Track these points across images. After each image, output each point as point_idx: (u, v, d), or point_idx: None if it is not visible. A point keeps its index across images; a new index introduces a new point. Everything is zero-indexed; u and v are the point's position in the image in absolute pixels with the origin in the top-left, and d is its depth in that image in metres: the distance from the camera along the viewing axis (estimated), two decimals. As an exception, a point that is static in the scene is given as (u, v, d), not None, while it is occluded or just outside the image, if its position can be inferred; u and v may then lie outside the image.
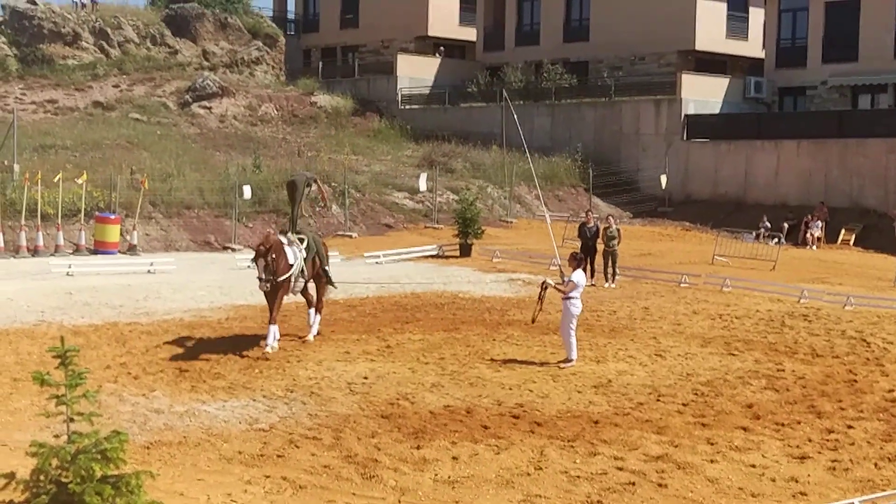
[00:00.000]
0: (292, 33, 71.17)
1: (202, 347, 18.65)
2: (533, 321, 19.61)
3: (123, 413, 14.01)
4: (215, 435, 13.12)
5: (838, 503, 10.89)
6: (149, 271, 29.16)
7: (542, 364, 17.92)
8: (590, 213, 31.56)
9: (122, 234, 33.31)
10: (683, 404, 15.39)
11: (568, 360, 17.93)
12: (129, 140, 44.98)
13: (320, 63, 66.29)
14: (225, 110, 54.72)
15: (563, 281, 18.44)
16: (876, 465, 12.66)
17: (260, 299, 24.55)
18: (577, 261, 18.63)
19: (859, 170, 43.29)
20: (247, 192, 36.66)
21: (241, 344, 18.96)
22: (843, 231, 41.66)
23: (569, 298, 18.07)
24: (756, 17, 55.60)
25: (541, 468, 12.13)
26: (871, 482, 12.02)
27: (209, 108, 54.39)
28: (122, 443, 7.04)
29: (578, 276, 18.34)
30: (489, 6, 62.44)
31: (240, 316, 22.34)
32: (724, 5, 54.96)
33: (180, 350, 18.40)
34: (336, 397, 15.29)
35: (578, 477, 11.84)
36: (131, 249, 32.94)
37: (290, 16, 73.95)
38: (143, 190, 34.34)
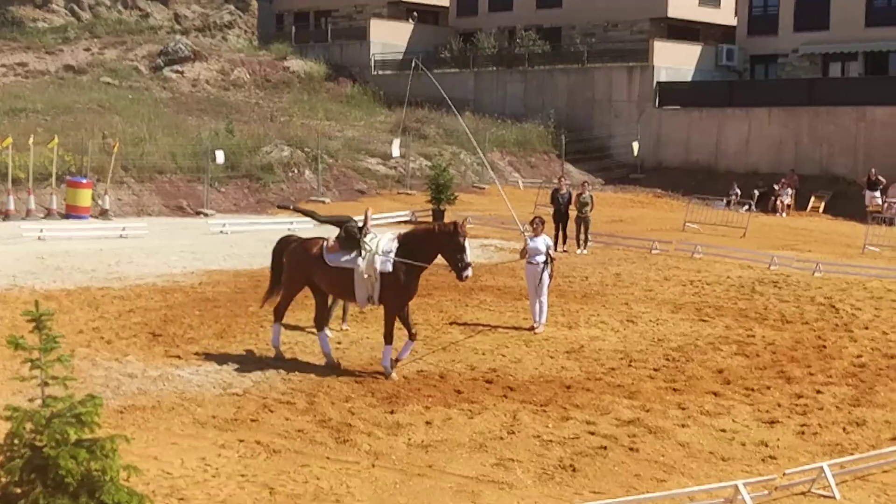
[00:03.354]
0: (265, -3, 70.74)
1: (175, 312, 18.63)
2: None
3: (97, 377, 13.99)
4: (189, 399, 13.13)
5: (807, 467, 11.02)
6: (121, 236, 29.04)
7: (515, 329, 18.01)
8: (562, 179, 31.61)
9: (93, 199, 33.13)
10: (655, 369, 15.52)
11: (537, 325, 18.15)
12: (100, 104, 44.64)
13: (293, 28, 65.88)
14: (197, 74, 54.37)
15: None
16: (844, 429, 12.81)
17: (233, 264, 24.58)
18: (534, 226, 18.78)
19: (829, 138, 43.51)
20: (219, 156, 36.51)
21: (215, 309, 18.94)
22: (812, 198, 41.91)
23: (529, 263, 18.35)
24: (729, -16, 55.66)
25: (513, 432, 12.21)
26: (839, 446, 12.17)
27: (181, 73, 54.04)
28: (97, 407, 7.04)
29: (535, 242, 18.47)
30: (463, -29, 62.22)
31: (213, 281, 22.30)
32: (697, -28, 54.99)
33: (154, 315, 18.37)
34: (309, 362, 15.32)
35: (551, 441, 11.94)
36: (103, 214, 32.78)
37: (263, -20, 73.37)
38: (115, 154, 34.13)
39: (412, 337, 14.93)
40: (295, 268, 15.35)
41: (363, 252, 14.67)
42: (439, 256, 14.83)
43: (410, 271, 14.65)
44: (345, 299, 16.18)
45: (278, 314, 15.58)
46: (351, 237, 14.93)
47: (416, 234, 15.15)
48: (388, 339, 14.72)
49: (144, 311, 18.63)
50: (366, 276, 14.56)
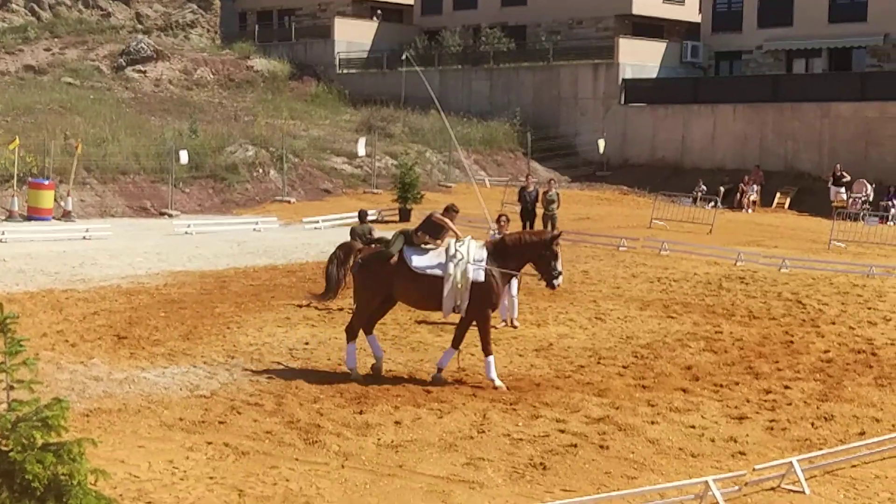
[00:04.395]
0: (228, -5, 70.49)
1: (141, 314, 18.48)
2: None
3: (61, 381, 13.84)
4: (156, 402, 13.01)
5: (776, 462, 11.03)
6: (84, 237, 28.81)
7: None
8: (529, 177, 31.62)
9: (56, 200, 32.85)
10: (624, 367, 15.52)
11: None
12: (62, 104, 44.28)
13: (256, 26, 65.62)
14: (160, 74, 54.04)
15: None
16: (813, 424, 12.85)
17: (198, 265, 24.43)
18: (500, 223, 18.78)
19: (794, 134, 43.75)
20: (183, 157, 36.29)
21: (180, 310, 18.81)
22: (778, 194, 42.11)
23: None
24: (693, -19, 55.89)
25: (483, 431, 12.16)
26: (808, 441, 12.20)
27: (143, 72, 53.69)
28: (64, 410, 6.94)
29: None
30: (427, -31, 62.17)
31: (178, 282, 22.14)
32: (661, -30, 55.17)
33: (118, 317, 18.21)
34: (277, 363, 15.23)
35: (521, 440, 11.90)
36: (66, 216, 32.51)
37: (226, -22, 73.09)
38: (77, 155, 33.84)
39: (457, 347, 14.48)
40: (373, 278, 14.45)
41: (455, 259, 14.09)
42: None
43: (499, 280, 14.33)
44: (426, 308, 15.31)
45: (353, 332, 14.63)
46: (429, 230, 14.47)
47: (508, 242, 14.64)
48: (488, 349, 14.30)
49: (109, 314, 18.47)
50: (459, 284, 14.04)
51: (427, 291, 14.22)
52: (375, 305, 14.71)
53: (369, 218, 22.99)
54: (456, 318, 14.69)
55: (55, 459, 6.80)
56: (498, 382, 14.11)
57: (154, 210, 35.48)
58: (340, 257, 15.09)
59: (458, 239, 14.34)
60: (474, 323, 14.32)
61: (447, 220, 14.71)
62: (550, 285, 14.51)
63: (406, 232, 14.64)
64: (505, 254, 14.34)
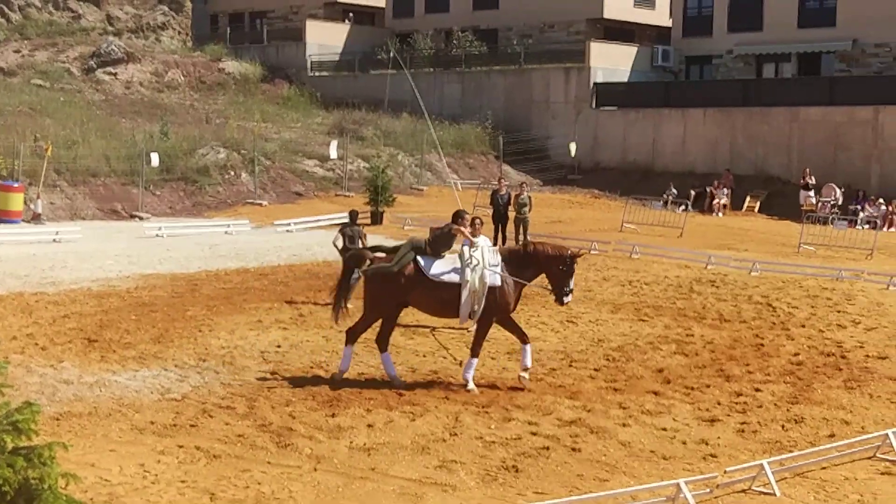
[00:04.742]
0: (199, -2, 70.30)
1: (111, 317, 18.38)
2: None
3: (31, 384, 13.74)
4: (127, 405, 12.95)
5: (747, 464, 11.09)
6: (54, 240, 28.64)
7: (456, 329, 17.97)
8: (502, 180, 31.68)
9: (25, 203, 32.64)
10: (595, 369, 15.57)
11: None
12: (31, 106, 43.95)
13: (228, 29, 65.42)
14: (130, 76, 53.78)
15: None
16: (783, 426, 12.94)
17: (169, 268, 24.33)
18: (473, 226, 18.73)
19: (764, 138, 43.99)
20: (154, 159, 36.14)
21: (151, 313, 18.72)
22: (748, 198, 42.34)
23: None
24: (664, -15, 56.15)
25: (456, 434, 12.18)
26: (778, 443, 12.28)
27: (114, 75, 53.40)
28: (35, 414, 6.90)
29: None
30: (399, -28, 62.16)
31: (149, 285, 22.04)
32: (633, -26, 55.39)
33: (89, 320, 18.11)
34: (249, 366, 15.18)
35: (493, 442, 11.92)
36: (36, 218, 32.30)
37: (197, -20, 72.86)
38: (47, 157, 33.64)
39: (527, 341, 14.44)
40: (386, 288, 14.24)
41: (471, 264, 14.05)
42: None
43: (514, 286, 14.32)
44: (444, 316, 15.10)
45: (353, 336, 14.53)
46: (445, 242, 14.43)
47: (521, 252, 14.74)
48: (477, 351, 14.37)
49: (79, 317, 18.36)
50: (476, 290, 14.00)
51: (445, 299, 14.15)
52: (386, 315, 14.52)
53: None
54: (444, 322, 14.65)
55: (26, 463, 6.76)
56: (471, 385, 14.10)
57: (125, 213, 35.31)
58: (350, 266, 15.07)
59: (472, 245, 14.28)
60: (469, 328, 14.28)
61: (461, 229, 14.59)
62: (560, 300, 14.62)
63: (417, 244, 14.51)
64: (522, 262, 14.41)
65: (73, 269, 23.65)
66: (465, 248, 14.25)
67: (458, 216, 14.99)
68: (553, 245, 15.30)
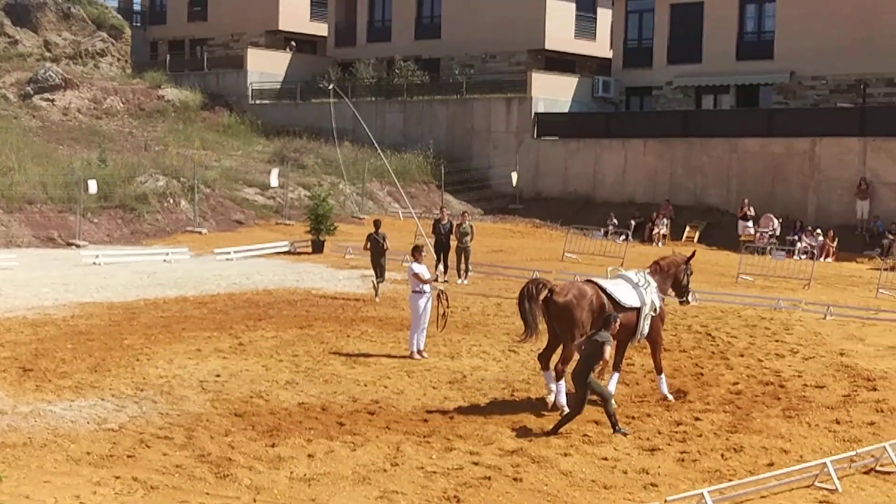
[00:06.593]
0: (138, 25, 69.87)
1: (47, 346, 18.10)
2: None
3: (-36, 415, 13.49)
4: (62, 436, 12.73)
5: (688, 494, 11.11)
6: (-11, 268, 28.20)
7: (398, 358, 17.90)
8: (444, 209, 31.69)
9: (-40, 230, 32.14)
10: (537, 399, 15.54)
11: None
12: (-34, 132, 43.40)
13: (168, 56, 65.07)
14: (68, 103, 53.20)
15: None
16: (723, 455, 12.99)
17: (107, 296, 24.03)
18: (416, 255, 18.94)
19: (703, 168, 44.41)
20: (92, 186, 35.75)
21: (88, 342, 18.45)
22: (687, 228, 42.68)
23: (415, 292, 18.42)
24: (604, 17, 56.57)
25: (397, 464, 12.10)
26: (718, 472, 12.33)
27: (52, 101, 52.80)
28: (-34, 445, 6.76)
29: (421, 269, 18.60)
30: (340, 1, 62.13)
31: (86, 314, 21.75)
32: (573, 5, 55.74)
33: (24, 349, 17.81)
34: (188, 396, 15.00)
35: (435, 472, 11.86)
36: (-30, 245, 31.82)
37: (137, 7, 72.47)
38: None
39: (618, 369, 15.48)
40: (585, 315, 14.70)
41: (646, 287, 15.05)
42: None
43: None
44: (623, 339, 15.37)
45: (545, 361, 15.25)
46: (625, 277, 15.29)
47: (664, 266, 15.90)
48: (660, 367, 15.60)
49: (14, 346, 18.06)
50: (651, 312, 15.05)
51: (629, 323, 14.98)
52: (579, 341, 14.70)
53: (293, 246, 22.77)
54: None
55: (-43, 496, 6.62)
56: (669, 397, 15.43)
57: (61, 240, 34.86)
58: (532, 292, 15.15)
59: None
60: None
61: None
62: (685, 301, 16.33)
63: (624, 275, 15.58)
64: (664, 280, 15.68)
65: (7, 297, 23.29)
66: (632, 273, 15.41)
67: (416, 250, 15.23)
68: (668, 256, 16.59)
